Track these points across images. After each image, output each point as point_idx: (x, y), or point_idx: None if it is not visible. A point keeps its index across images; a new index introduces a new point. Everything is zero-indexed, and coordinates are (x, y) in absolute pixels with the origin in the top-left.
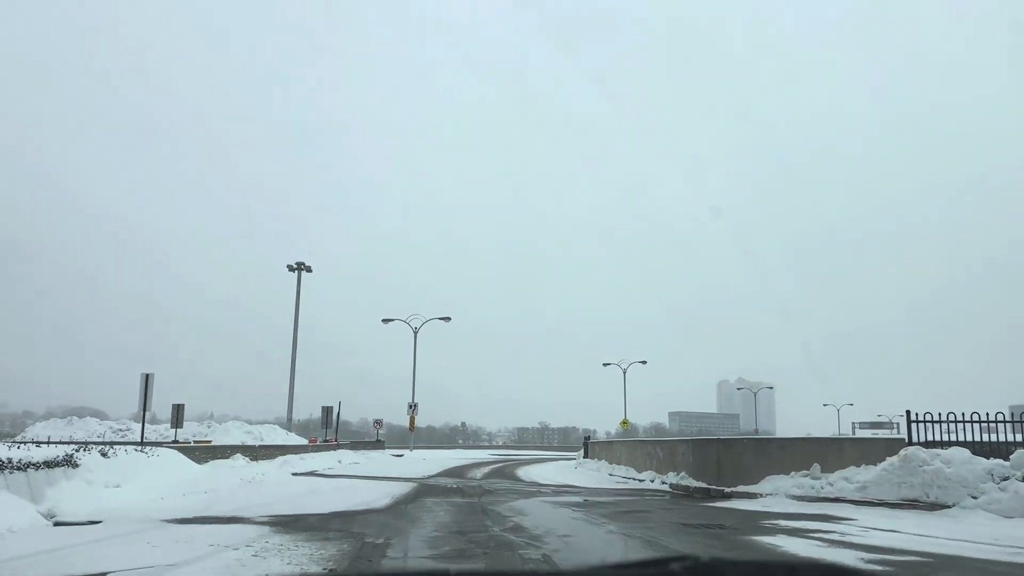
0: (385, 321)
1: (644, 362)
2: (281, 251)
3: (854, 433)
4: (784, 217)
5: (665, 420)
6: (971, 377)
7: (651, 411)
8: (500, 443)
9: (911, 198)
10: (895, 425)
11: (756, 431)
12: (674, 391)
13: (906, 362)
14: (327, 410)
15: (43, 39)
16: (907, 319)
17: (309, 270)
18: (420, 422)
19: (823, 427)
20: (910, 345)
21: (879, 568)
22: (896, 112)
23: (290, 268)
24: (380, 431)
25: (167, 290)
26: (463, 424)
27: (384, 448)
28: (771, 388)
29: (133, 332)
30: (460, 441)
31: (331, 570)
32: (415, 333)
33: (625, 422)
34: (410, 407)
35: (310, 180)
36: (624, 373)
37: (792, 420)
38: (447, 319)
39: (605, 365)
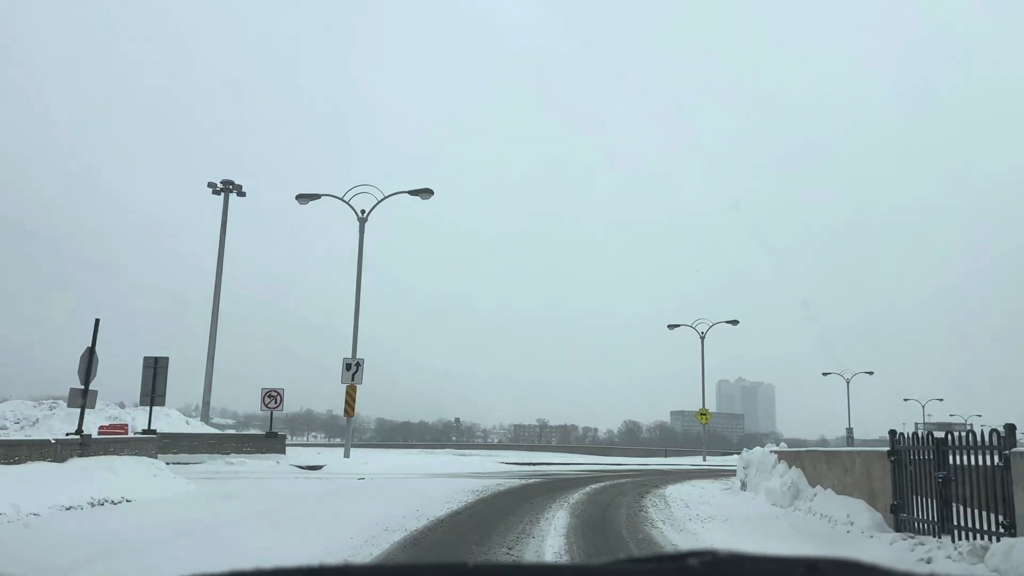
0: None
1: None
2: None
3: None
4: (805, 209)
5: (668, 419)
6: (999, 371)
7: (653, 411)
8: (495, 441)
9: (935, 190)
10: (970, 426)
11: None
12: (673, 390)
13: (933, 356)
14: (153, 366)
15: (67, 30)
16: (932, 311)
17: (241, 193)
18: (411, 416)
19: (828, 426)
20: (935, 338)
21: None
22: (920, 101)
23: (214, 189)
24: (275, 408)
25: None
26: (457, 420)
27: (277, 452)
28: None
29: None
30: (453, 439)
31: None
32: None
33: (704, 413)
34: (349, 368)
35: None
36: (702, 339)
37: (792, 419)
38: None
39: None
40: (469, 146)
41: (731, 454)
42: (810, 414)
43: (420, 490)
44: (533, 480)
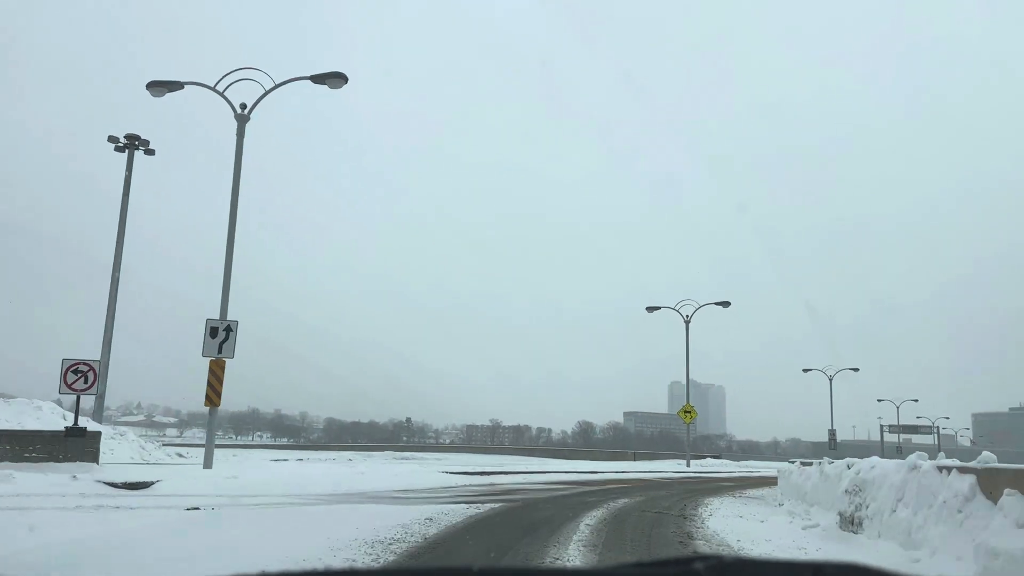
0: None
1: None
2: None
3: (882, 438)
4: (810, 212)
5: (621, 420)
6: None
7: (607, 412)
8: (447, 442)
9: (941, 192)
10: (936, 429)
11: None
12: (628, 392)
13: (932, 356)
14: None
15: (80, 35)
16: (932, 311)
17: (150, 151)
18: (360, 416)
19: (780, 427)
20: (933, 338)
21: None
22: (927, 105)
23: (116, 146)
24: (85, 391)
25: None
26: (408, 420)
27: (81, 459)
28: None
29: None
30: (404, 439)
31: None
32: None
33: (689, 410)
34: (215, 334)
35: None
36: (687, 323)
37: (743, 420)
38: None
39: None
40: (471, 145)
41: (705, 456)
42: (762, 415)
43: (273, 538)
44: (488, 506)
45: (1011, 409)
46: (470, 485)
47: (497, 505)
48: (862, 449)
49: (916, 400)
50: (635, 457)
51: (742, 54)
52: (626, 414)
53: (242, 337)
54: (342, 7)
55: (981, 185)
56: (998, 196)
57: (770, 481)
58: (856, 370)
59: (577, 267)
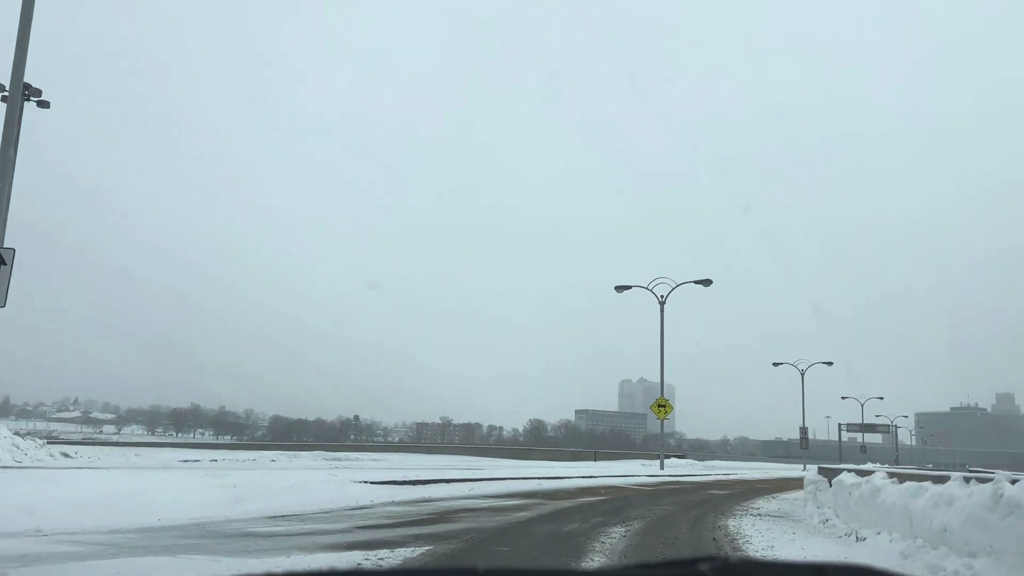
0: None
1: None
2: None
3: (840, 436)
4: (814, 214)
5: (573, 418)
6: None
7: (558, 410)
8: (397, 440)
9: (945, 193)
10: (894, 428)
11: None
12: (580, 390)
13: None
14: None
15: (75, 39)
16: (932, 313)
17: (43, 104)
18: (307, 414)
19: (730, 426)
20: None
21: None
22: (930, 105)
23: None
24: None
25: None
26: (356, 418)
27: None
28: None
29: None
30: (352, 437)
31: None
32: None
33: (664, 404)
34: None
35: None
36: (662, 305)
37: (692, 419)
38: None
39: None
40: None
41: (669, 456)
42: (711, 414)
43: None
44: (406, 551)
45: (952, 408)
46: (394, 502)
47: (422, 549)
48: (821, 448)
49: (881, 398)
50: (596, 457)
51: (748, 55)
52: (578, 412)
53: (182, 330)
54: (343, 6)
55: (983, 187)
56: (1000, 197)
57: (763, 487)
58: (830, 364)
59: (553, 263)
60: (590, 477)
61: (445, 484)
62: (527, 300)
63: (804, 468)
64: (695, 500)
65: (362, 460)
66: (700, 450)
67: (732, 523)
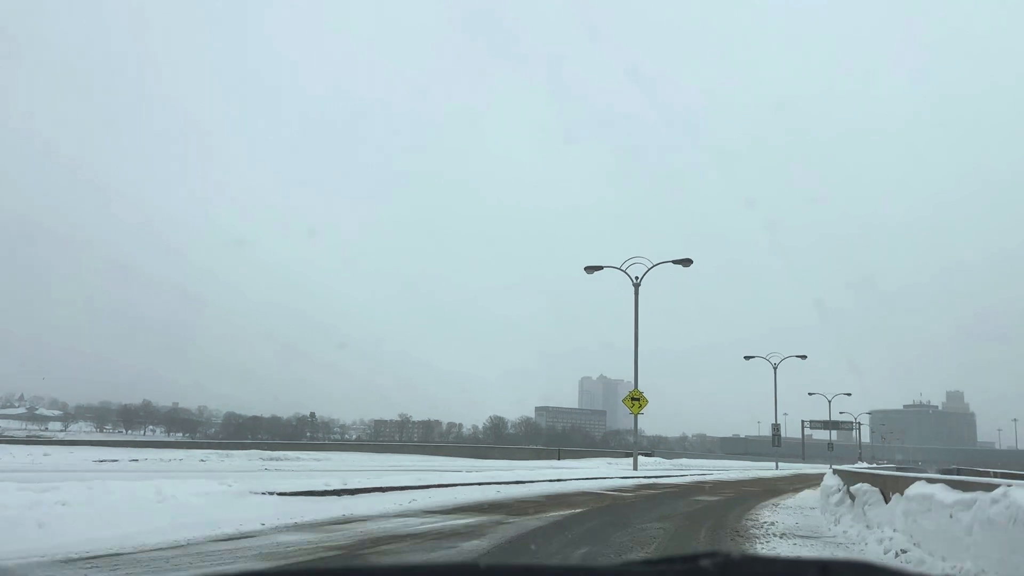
0: None
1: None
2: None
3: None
4: (817, 209)
5: (533, 415)
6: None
7: (518, 407)
8: (354, 438)
9: (950, 188)
10: (858, 425)
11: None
12: (539, 387)
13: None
14: None
15: (76, 39)
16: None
17: None
18: (261, 411)
19: (690, 423)
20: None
21: None
22: (935, 100)
23: None
24: None
25: None
26: (312, 415)
27: None
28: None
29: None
30: (308, 434)
31: None
32: None
33: (638, 397)
34: None
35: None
36: (636, 287)
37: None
38: None
39: None
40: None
41: (644, 453)
42: (670, 411)
43: None
44: None
45: (905, 406)
46: (295, 526)
47: None
48: (785, 445)
49: (849, 394)
50: (560, 455)
51: (750, 49)
52: (538, 409)
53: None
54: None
55: (988, 181)
56: (1006, 192)
57: (751, 489)
58: (804, 357)
59: (545, 260)
60: (557, 480)
61: (380, 494)
62: (498, 296)
63: (776, 466)
64: (690, 512)
65: (303, 460)
66: (659, 447)
67: (762, 550)
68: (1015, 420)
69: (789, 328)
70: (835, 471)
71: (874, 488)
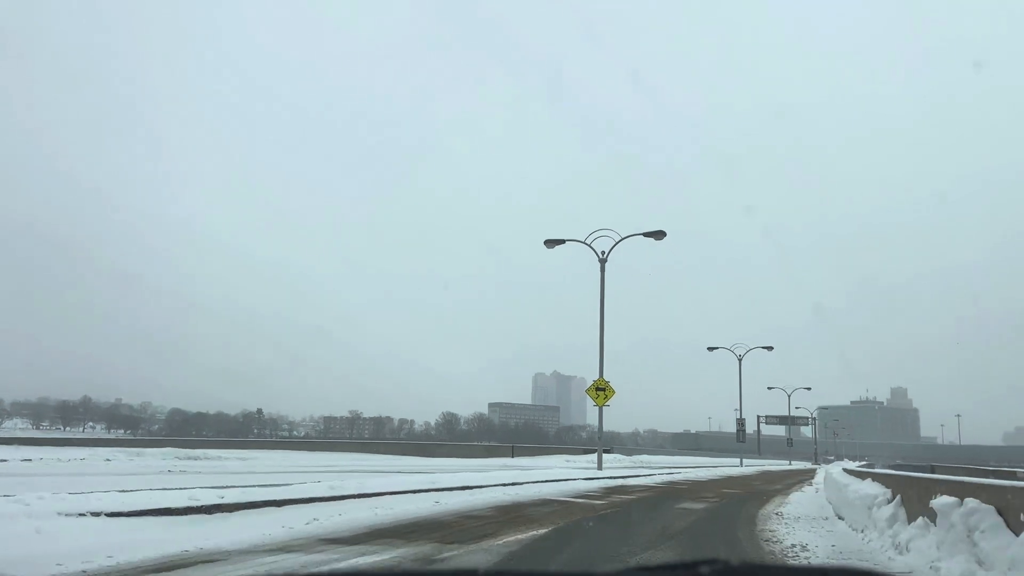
0: None
1: None
2: None
3: (759, 428)
4: (817, 213)
5: (486, 411)
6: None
7: (471, 403)
8: (303, 434)
9: (949, 191)
10: (814, 420)
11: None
12: (492, 384)
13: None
14: None
15: (81, 44)
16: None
17: None
18: (206, 407)
19: (641, 419)
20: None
21: None
22: (935, 104)
23: None
24: None
25: None
26: (259, 411)
27: None
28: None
29: None
30: (255, 431)
31: None
32: None
33: (604, 387)
34: None
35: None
36: (602, 263)
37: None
38: None
39: None
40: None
41: (609, 450)
42: (623, 407)
43: None
44: None
45: (852, 402)
46: (93, 573)
47: None
48: (726, 441)
49: (809, 388)
50: (514, 452)
51: (751, 52)
52: (491, 405)
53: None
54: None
55: (989, 180)
56: (1008, 192)
57: (733, 491)
58: (770, 348)
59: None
60: (512, 485)
61: (272, 510)
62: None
63: (741, 463)
64: (687, 528)
65: (225, 460)
66: (612, 443)
67: None
68: (959, 416)
69: (721, 325)
70: (874, 476)
71: (988, 506)
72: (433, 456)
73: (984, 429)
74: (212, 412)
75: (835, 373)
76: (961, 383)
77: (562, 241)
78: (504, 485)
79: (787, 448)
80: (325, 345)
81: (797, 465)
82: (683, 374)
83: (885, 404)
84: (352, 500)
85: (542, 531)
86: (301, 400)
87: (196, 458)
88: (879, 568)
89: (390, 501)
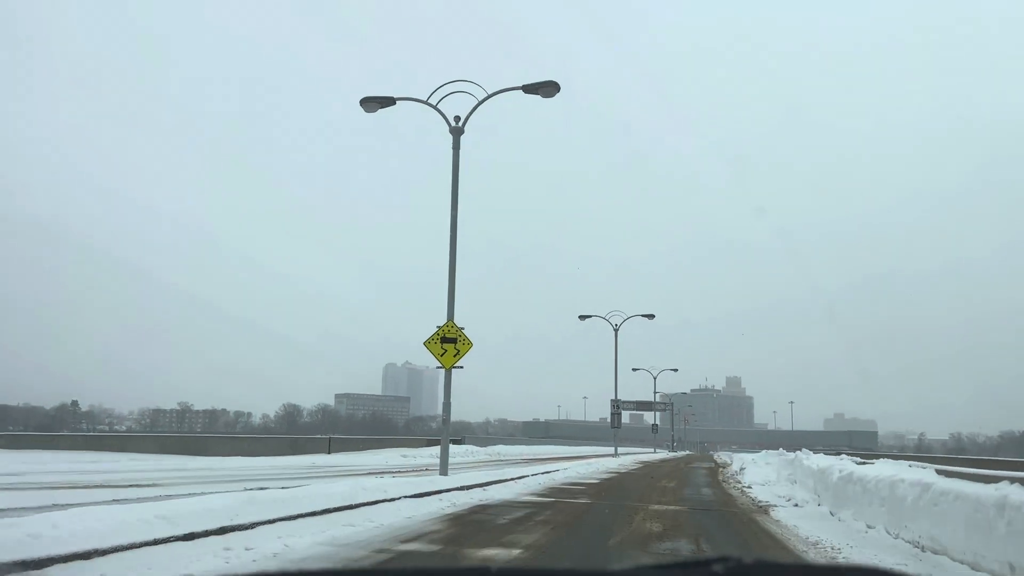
0: None
1: None
2: None
3: (615, 416)
4: (829, 214)
5: (332, 402)
6: None
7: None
8: (125, 429)
9: (965, 194)
10: (671, 406)
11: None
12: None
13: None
14: None
15: (93, 41)
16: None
17: None
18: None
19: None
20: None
21: None
22: (947, 106)
23: None
24: None
25: None
26: (74, 404)
27: None
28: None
29: None
30: (71, 426)
31: None
32: None
33: (453, 339)
34: None
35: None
36: (455, 135)
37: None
38: None
39: None
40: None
41: (460, 441)
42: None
43: None
44: None
45: (692, 390)
46: None
47: None
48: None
49: (676, 370)
50: (331, 448)
51: (759, 54)
52: (338, 396)
53: None
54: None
55: (1001, 179)
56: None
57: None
58: (651, 316)
59: None
60: (239, 530)
61: None
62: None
63: (615, 452)
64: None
65: None
66: (464, 433)
67: None
68: (792, 402)
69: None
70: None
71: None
72: (204, 455)
73: (808, 416)
74: (18, 404)
75: (676, 362)
76: (790, 372)
77: (391, 100)
78: (218, 531)
79: (650, 436)
80: (158, 332)
81: (663, 454)
82: (532, 364)
83: (722, 392)
84: None
85: None
86: (129, 391)
87: None
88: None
89: None
